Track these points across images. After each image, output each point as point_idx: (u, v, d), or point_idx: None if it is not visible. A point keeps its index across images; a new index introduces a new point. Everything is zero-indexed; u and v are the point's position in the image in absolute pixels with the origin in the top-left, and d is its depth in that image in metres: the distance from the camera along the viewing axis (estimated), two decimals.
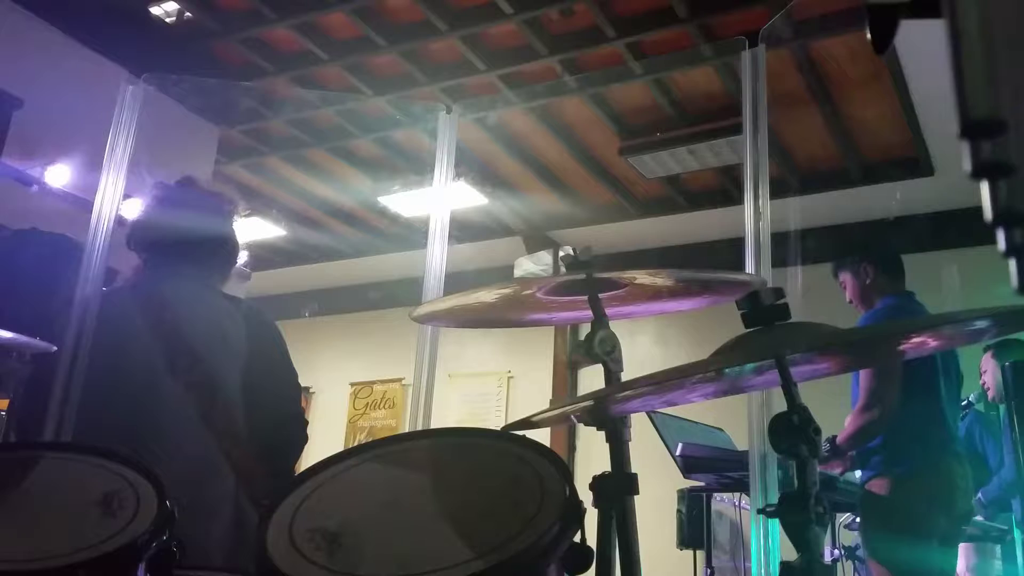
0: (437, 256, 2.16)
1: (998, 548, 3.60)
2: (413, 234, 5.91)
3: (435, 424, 1.93)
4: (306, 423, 1.99)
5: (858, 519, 3.22)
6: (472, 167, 5.58)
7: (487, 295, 1.32)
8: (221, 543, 1.66)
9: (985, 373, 3.72)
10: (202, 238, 1.96)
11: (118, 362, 1.81)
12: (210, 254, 1.98)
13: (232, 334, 1.86)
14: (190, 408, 1.75)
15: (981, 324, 1.07)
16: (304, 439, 1.95)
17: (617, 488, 1.21)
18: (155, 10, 4.67)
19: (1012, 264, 0.37)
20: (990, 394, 3.66)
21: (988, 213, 0.37)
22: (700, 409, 2.46)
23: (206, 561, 1.57)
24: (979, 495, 3.31)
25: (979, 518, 3.39)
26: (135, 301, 1.89)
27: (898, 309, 2.89)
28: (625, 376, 1.27)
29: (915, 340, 1.15)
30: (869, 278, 2.99)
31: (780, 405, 1.06)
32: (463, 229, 6.37)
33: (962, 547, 3.66)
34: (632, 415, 1.27)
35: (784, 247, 3.74)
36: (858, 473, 3.12)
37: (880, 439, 2.80)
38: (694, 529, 4.75)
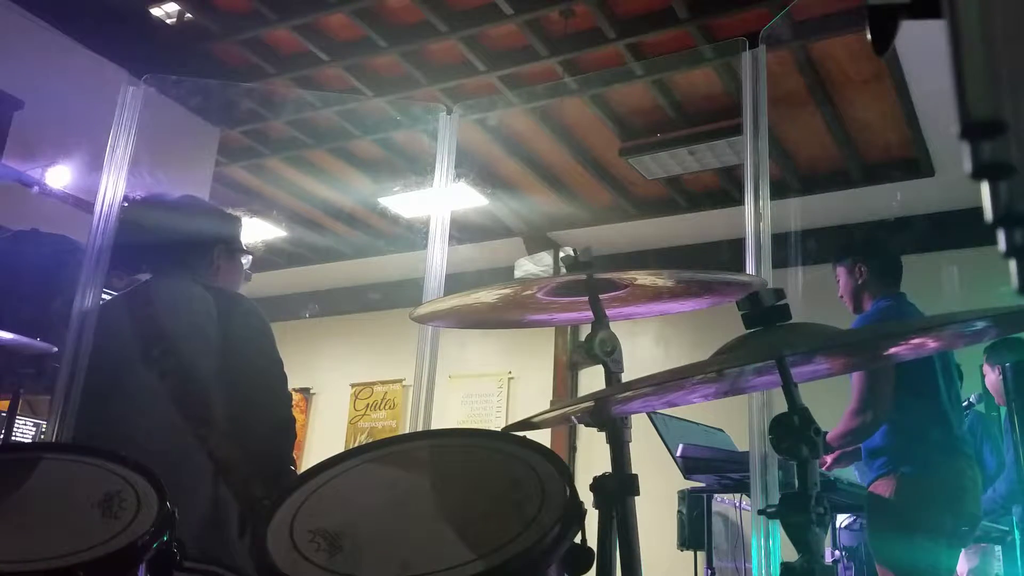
0: (437, 257, 2.16)
1: (999, 549, 3.59)
2: (413, 235, 5.90)
3: (436, 425, 1.93)
4: (288, 403, 1.96)
5: (860, 520, 3.22)
6: (472, 168, 5.58)
7: (487, 296, 1.32)
8: (195, 533, 1.65)
9: (986, 378, 3.72)
10: (171, 238, 1.99)
11: (98, 359, 1.85)
12: (182, 251, 2.01)
13: (204, 320, 1.87)
14: (164, 397, 1.76)
15: (982, 325, 1.07)
16: (287, 420, 1.91)
17: (618, 489, 1.21)
18: (156, 11, 4.68)
19: (1012, 265, 0.37)
20: (997, 399, 3.65)
21: (988, 214, 0.37)
22: (701, 410, 2.46)
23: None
24: None
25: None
26: (124, 303, 1.95)
27: (891, 311, 2.89)
28: (625, 377, 1.27)
29: (915, 341, 1.15)
30: (862, 278, 2.99)
31: (781, 406, 1.06)
32: (463, 230, 6.38)
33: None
34: (632, 416, 1.27)
35: (785, 248, 3.75)
36: (855, 473, 3.12)
37: (884, 439, 2.80)
38: (695, 530, 4.75)
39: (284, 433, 1.91)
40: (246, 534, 1.71)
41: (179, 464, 1.71)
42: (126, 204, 2.06)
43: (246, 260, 2.12)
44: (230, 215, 2.17)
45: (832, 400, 2.70)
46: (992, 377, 3.65)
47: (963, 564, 3.69)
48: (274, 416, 1.90)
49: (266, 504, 1.07)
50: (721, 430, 3.74)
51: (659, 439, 3.22)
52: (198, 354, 1.84)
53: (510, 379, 7.27)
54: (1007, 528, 3.41)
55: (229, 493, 1.74)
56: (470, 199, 5.84)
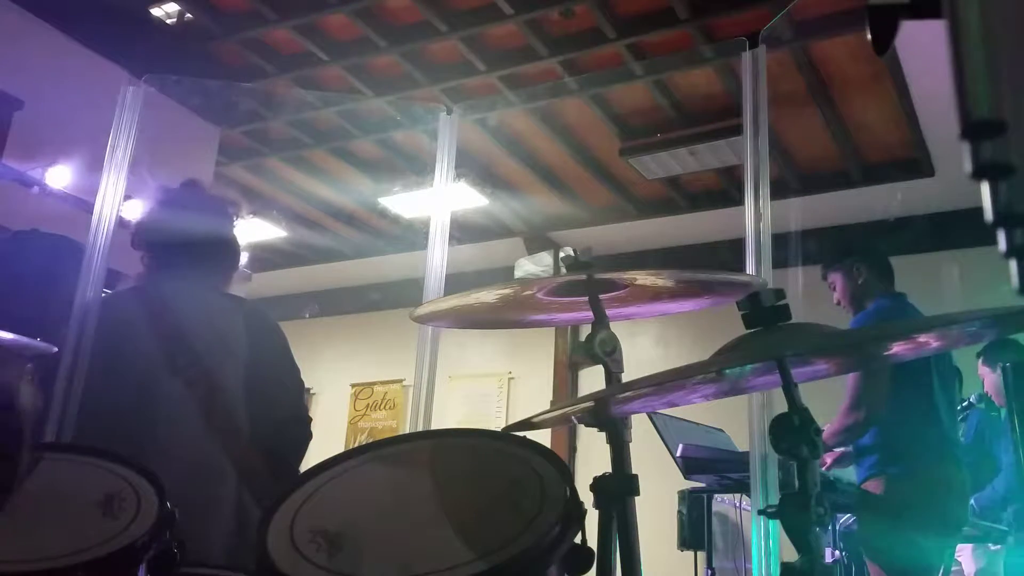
0: (437, 257, 2.16)
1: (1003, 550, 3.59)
2: (414, 235, 5.89)
3: (436, 425, 1.93)
4: (309, 420, 1.99)
5: (855, 519, 3.22)
6: (472, 168, 5.58)
7: (487, 296, 1.32)
8: (222, 541, 1.67)
9: (985, 380, 3.72)
10: (204, 240, 1.97)
11: (115, 364, 1.82)
12: (212, 256, 1.99)
13: (230, 333, 1.87)
14: (189, 407, 1.75)
15: (982, 325, 1.07)
16: (307, 436, 1.94)
17: (618, 489, 1.21)
18: (156, 11, 4.68)
19: (1012, 265, 0.37)
20: (997, 401, 3.65)
21: (989, 214, 0.37)
22: (701, 410, 2.46)
23: (207, 559, 1.57)
24: (972, 501, 3.30)
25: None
26: (137, 303, 1.90)
27: (892, 310, 2.89)
28: (626, 377, 1.27)
29: (915, 341, 1.15)
30: (861, 278, 2.99)
31: (781, 406, 1.06)
32: (463, 230, 6.38)
33: (969, 550, 3.66)
34: (633, 416, 1.27)
35: (785, 248, 3.74)
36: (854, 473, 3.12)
37: (875, 439, 2.80)
38: (695, 530, 4.75)
39: (304, 443, 1.94)
40: None
41: (206, 471, 1.72)
42: (161, 193, 2.02)
43: (244, 276, 2.15)
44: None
45: (831, 399, 2.70)
46: (989, 378, 3.65)
47: (970, 565, 3.69)
48: (296, 425, 1.94)
49: (267, 505, 1.07)
50: (721, 430, 3.74)
51: (659, 439, 3.22)
52: (224, 364, 1.83)
53: (510, 379, 7.26)
54: (1007, 528, 3.41)
55: (253, 499, 1.75)
56: (470, 199, 5.84)
